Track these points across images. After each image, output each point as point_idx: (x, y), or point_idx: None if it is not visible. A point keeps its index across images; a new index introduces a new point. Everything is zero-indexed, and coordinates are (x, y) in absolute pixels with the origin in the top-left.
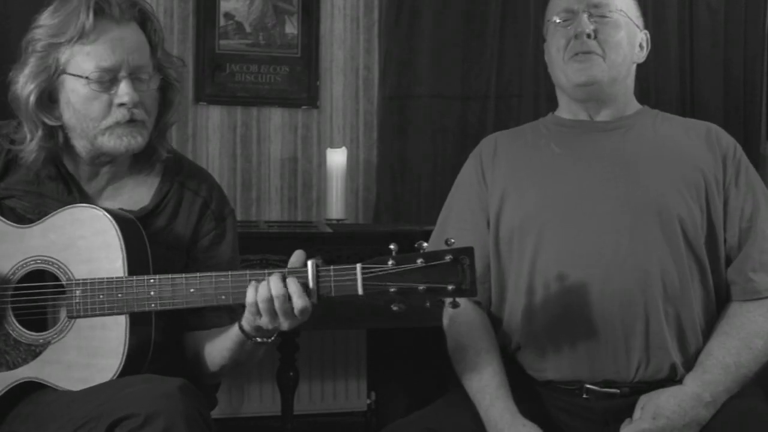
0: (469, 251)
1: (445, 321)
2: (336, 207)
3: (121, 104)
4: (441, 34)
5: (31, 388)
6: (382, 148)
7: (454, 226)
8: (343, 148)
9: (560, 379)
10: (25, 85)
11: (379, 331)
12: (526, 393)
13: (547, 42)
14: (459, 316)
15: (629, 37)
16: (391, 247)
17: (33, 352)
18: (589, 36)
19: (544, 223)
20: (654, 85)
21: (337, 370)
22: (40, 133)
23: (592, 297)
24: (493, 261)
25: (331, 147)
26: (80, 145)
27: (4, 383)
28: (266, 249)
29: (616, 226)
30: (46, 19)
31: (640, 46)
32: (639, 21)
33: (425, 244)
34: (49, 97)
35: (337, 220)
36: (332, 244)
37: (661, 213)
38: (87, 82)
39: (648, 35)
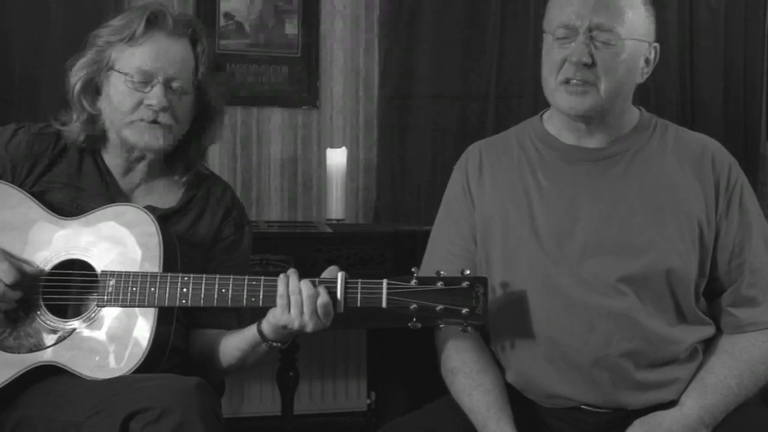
0: (483, 280)
1: (438, 345)
2: (336, 207)
3: (149, 105)
4: (441, 34)
5: (48, 373)
6: (382, 148)
7: (444, 239)
8: (343, 148)
9: (551, 406)
10: (77, 72)
11: (379, 331)
12: (518, 400)
13: (543, 52)
14: (449, 341)
15: (633, 60)
16: (413, 270)
17: (57, 337)
18: (585, 65)
19: (526, 262)
20: (654, 85)
21: (337, 370)
22: (83, 117)
23: (577, 342)
24: (491, 282)
25: (331, 147)
26: (111, 136)
27: (23, 364)
28: (266, 249)
29: (602, 271)
30: (113, 21)
31: (646, 61)
32: (650, 35)
33: (443, 272)
34: (96, 89)
35: (337, 220)
36: (332, 244)
37: (650, 262)
38: (126, 79)
39: (657, 48)
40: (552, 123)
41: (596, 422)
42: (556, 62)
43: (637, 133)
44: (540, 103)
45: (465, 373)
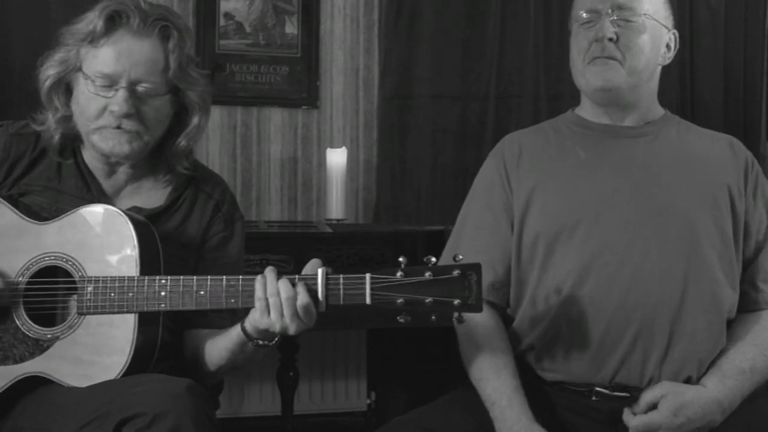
0: (476, 267)
1: (461, 334)
2: (336, 207)
3: (112, 111)
4: (441, 34)
5: (36, 383)
6: (382, 148)
7: (474, 226)
8: (343, 148)
9: (571, 381)
10: (47, 69)
11: (379, 331)
12: (531, 390)
13: (570, 42)
14: (474, 318)
15: (654, 40)
16: (400, 259)
17: (41, 346)
18: (610, 39)
19: (569, 230)
20: None
21: (337, 370)
22: (57, 115)
23: (611, 306)
24: (514, 263)
25: (331, 147)
26: (84, 139)
27: (10, 376)
28: (266, 249)
29: (641, 237)
30: (77, 19)
31: (667, 46)
32: (668, 21)
33: (433, 259)
34: (66, 88)
35: (337, 220)
36: (332, 244)
37: (688, 226)
38: (89, 84)
39: (677, 35)
40: (584, 110)
41: (611, 410)
42: (582, 45)
43: (665, 121)
44: (540, 103)
45: (492, 351)
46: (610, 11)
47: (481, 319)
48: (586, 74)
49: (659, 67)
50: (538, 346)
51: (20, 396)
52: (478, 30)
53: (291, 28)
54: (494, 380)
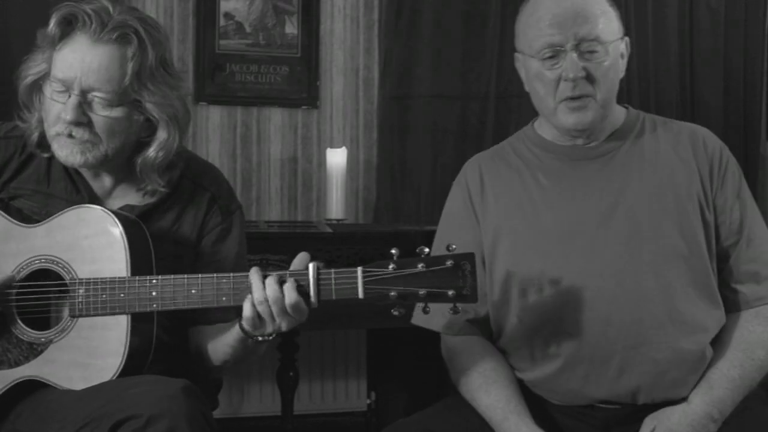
0: (470, 257)
1: (445, 352)
2: (336, 207)
3: (62, 118)
4: (441, 34)
5: (32, 387)
6: (382, 148)
7: None
8: (343, 148)
9: (560, 401)
10: (25, 70)
11: (379, 331)
12: (527, 395)
13: (528, 73)
14: (457, 345)
15: (616, 61)
16: (393, 251)
17: (35, 350)
18: (581, 78)
19: (538, 269)
20: (654, 85)
21: (337, 370)
22: (36, 115)
23: (592, 339)
24: (489, 301)
25: (331, 147)
26: None
27: (5, 381)
28: (266, 249)
29: (612, 265)
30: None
31: (621, 55)
32: (620, 31)
33: (426, 249)
34: (41, 89)
35: (337, 220)
36: (332, 244)
37: (657, 248)
38: (50, 87)
39: (628, 41)
40: (544, 130)
41: (606, 417)
42: (551, 82)
43: (628, 129)
44: None
45: (478, 372)
46: (574, 45)
47: (464, 345)
48: (558, 114)
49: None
50: (524, 377)
51: (16, 401)
52: (478, 30)
53: (291, 28)
54: (485, 398)
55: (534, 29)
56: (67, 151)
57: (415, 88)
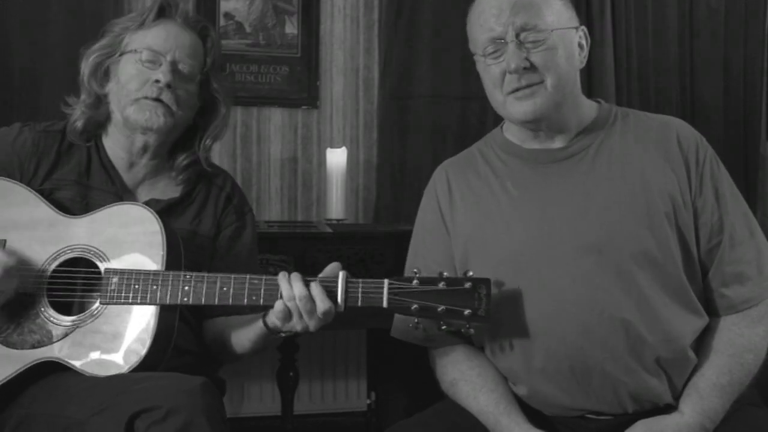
0: (486, 282)
1: (431, 364)
2: (336, 207)
3: (156, 81)
4: (441, 34)
5: (52, 369)
6: (382, 148)
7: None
8: (343, 148)
9: (553, 415)
10: (89, 56)
11: (379, 331)
12: (522, 406)
13: (479, 71)
14: (441, 356)
15: (566, 49)
16: (415, 270)
17: (60, 333)
18: (525, 68)
19: (510, 281)
20: (654, 85)
21: (337, 370)
22: (89, 100)
23: (570, 351)
24: None
25: (331, 147)
26: (115, 117)
27: (26, 360)
28: (266, 249)
29: (583, 273)
30: (130, 14)
31: (580, 46)
32: (573, 21)
33: (446, 273)
34: (105, 73)
35: (337, 220)
36: (332, 244)
37: (630, 257)
38: (136, 58)
39: (585, 31)
40: (512, 133)
41: (599, 429)
42: (496, 77)
43: (598, 126)
44: None
45: (465, 380)
46: (514, 36)
47: (450, 357)
48: (507, 107)
49: (578, 71)
50: (515, 390)
51: (33, 382)
52: None
53: (291, 28)
54: (474, 406)
55: (476, 27)
56: (150, 113)
57: (415, 88)
